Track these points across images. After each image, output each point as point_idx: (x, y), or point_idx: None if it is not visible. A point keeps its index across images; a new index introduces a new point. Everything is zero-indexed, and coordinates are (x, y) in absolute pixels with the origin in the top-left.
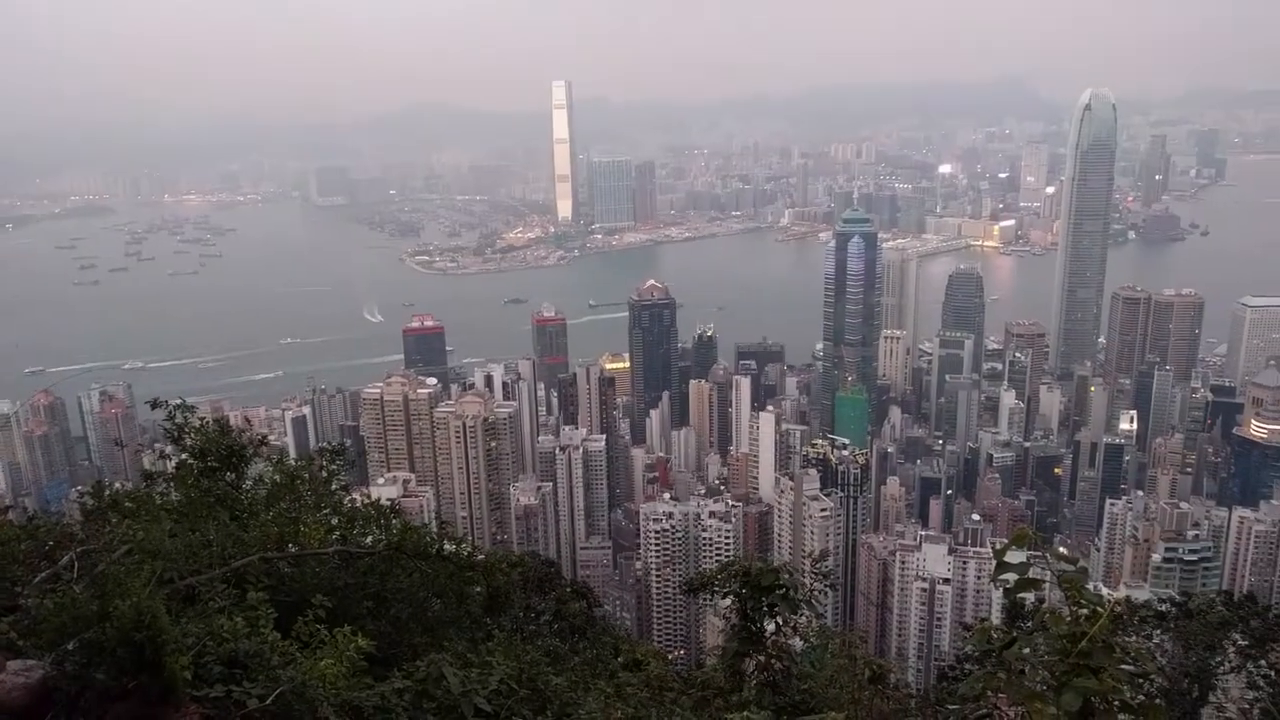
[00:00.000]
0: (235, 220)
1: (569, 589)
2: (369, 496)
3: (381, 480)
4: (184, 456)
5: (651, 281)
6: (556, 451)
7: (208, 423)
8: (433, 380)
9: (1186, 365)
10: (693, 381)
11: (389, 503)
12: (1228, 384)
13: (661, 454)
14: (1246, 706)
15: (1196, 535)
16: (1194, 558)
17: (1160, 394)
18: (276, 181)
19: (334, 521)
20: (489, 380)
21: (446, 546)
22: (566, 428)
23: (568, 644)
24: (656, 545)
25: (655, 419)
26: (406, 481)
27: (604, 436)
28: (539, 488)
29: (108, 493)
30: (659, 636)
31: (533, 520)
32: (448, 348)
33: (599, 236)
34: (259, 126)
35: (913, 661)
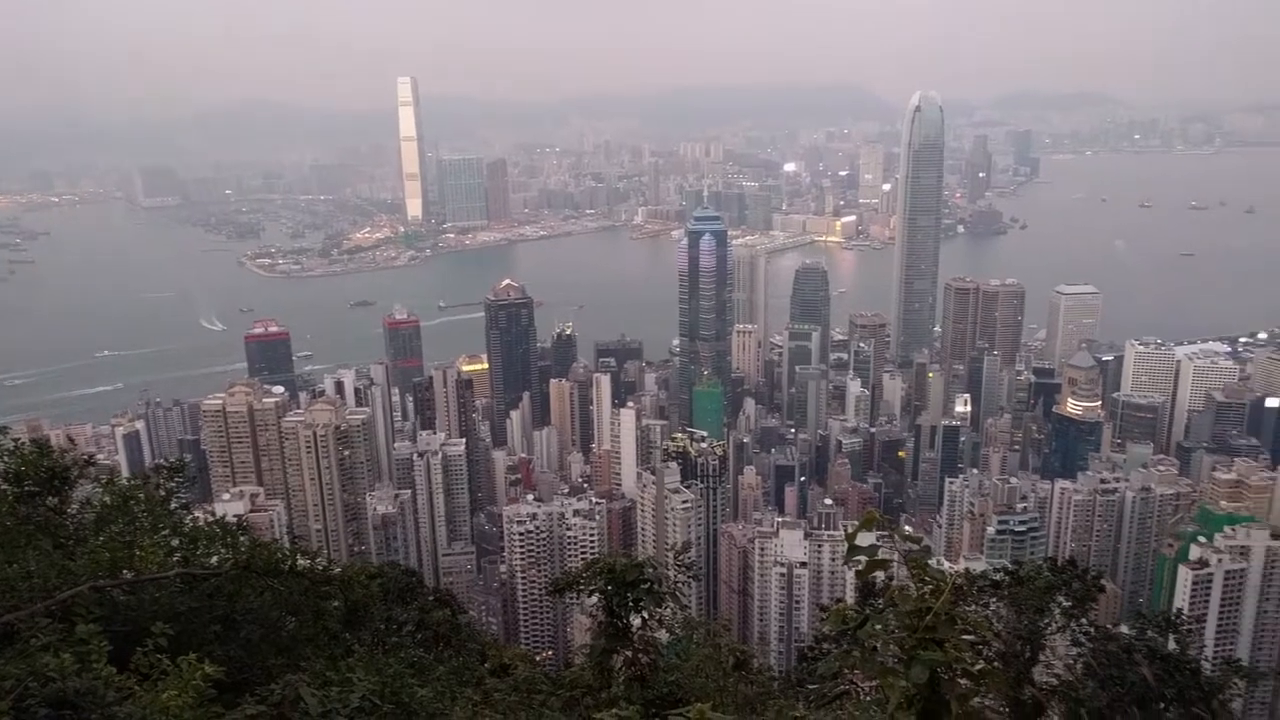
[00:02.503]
0: (49, 223)
1: (432, 597)
2: (213, 514)
3: (227, 496)
4: None
5: (508, 281)
6: (414, 457)
7: (22, 444)
8: (279, 388)
9: (1012, 350)
10: (553, 381)
11: (235, 519)
12: (1047, 366)
13: (523, 455)
14: (1071, 661)
15: (1025, 508)
16: (1023, 529)
17: (989, 378)
18: (96, 181)
19: (174, 543)
20: (340, 387)
21: (300, 562)
22: (424, 433)
23: (433, 654)
24: (521, 547)
25: (516, 420)
26: (254, 496)
27: (463, 440)
28: (397, 495)
29: None
30: (526, 639)
31: (391, 529)
32: (299, 354)
33: (451, 236)
34: (73, 122)
35: (774, 645)
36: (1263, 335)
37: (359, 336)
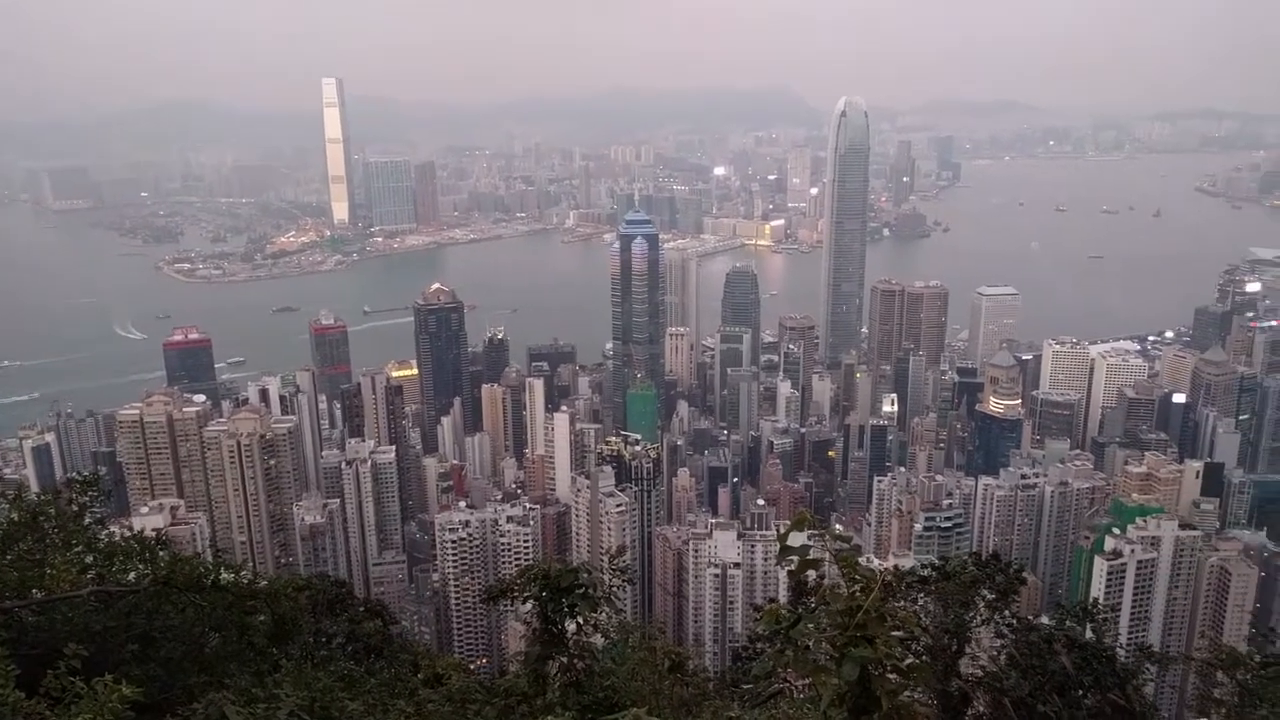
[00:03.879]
0: None
1: (362, 608)
2: (130, 529)
3: (145, 509)
4: None
5: (438, 285)
6: (343, 466)
7: None
8: (200, 397)
9: (936, 350)
10: (485, 386)
11: (154, 534)
12: (970, 366)
13: (455, 461)
14: (995, 652)
15: (950, 504)
16: (949, 525)
17: (915, 378)
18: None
19: (88, 560)
20: (264, 394)
21: (223, 576)
22: (352, 440)
23: (364, 666)
24: (454, 555)
25: (447, 426)
26: (175, 509)
27: (394, 447)
28: (325, 505)
29: None
30: (460, 648)
31: (320, 540)
32: (229, 360)
33: (379, 240)
34: None
35: (709, 646)
36: (1169, 334)
37: (284, 343)
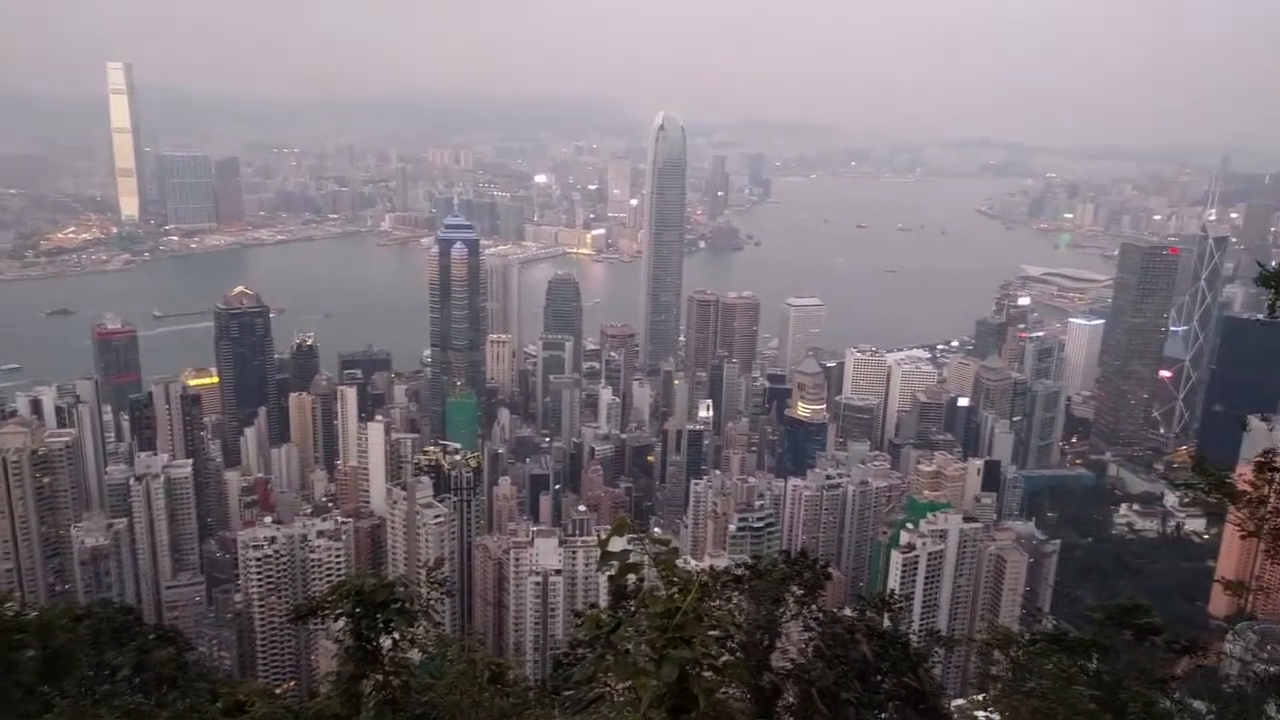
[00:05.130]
0: None
1: (153, 635)
2: None
3: None
4: None
5: (241, 288)
6: (131, 482)
7: None
8: None
9: (749, 358)
10: (293, 394)
11: None
12: (779, 373)
13: (260, 474)
14: (803, 645)
15: (762, 505)
16: (761, 525)
17: (729, 384)
18: None
19: None
20: (37, 405)
21: None
22: (143, 454)
23: (154, 699)
24: (258, 573)
25: (251, 437)
26: None
27: (191, 461)
28: (110, 525)
29: None
30: (265, 672)
31: (103, 563)
32: (2, 367)
33: (175, 238)
34: None
35: (530, 654)
36: (955, 343)
37: (62, 349)
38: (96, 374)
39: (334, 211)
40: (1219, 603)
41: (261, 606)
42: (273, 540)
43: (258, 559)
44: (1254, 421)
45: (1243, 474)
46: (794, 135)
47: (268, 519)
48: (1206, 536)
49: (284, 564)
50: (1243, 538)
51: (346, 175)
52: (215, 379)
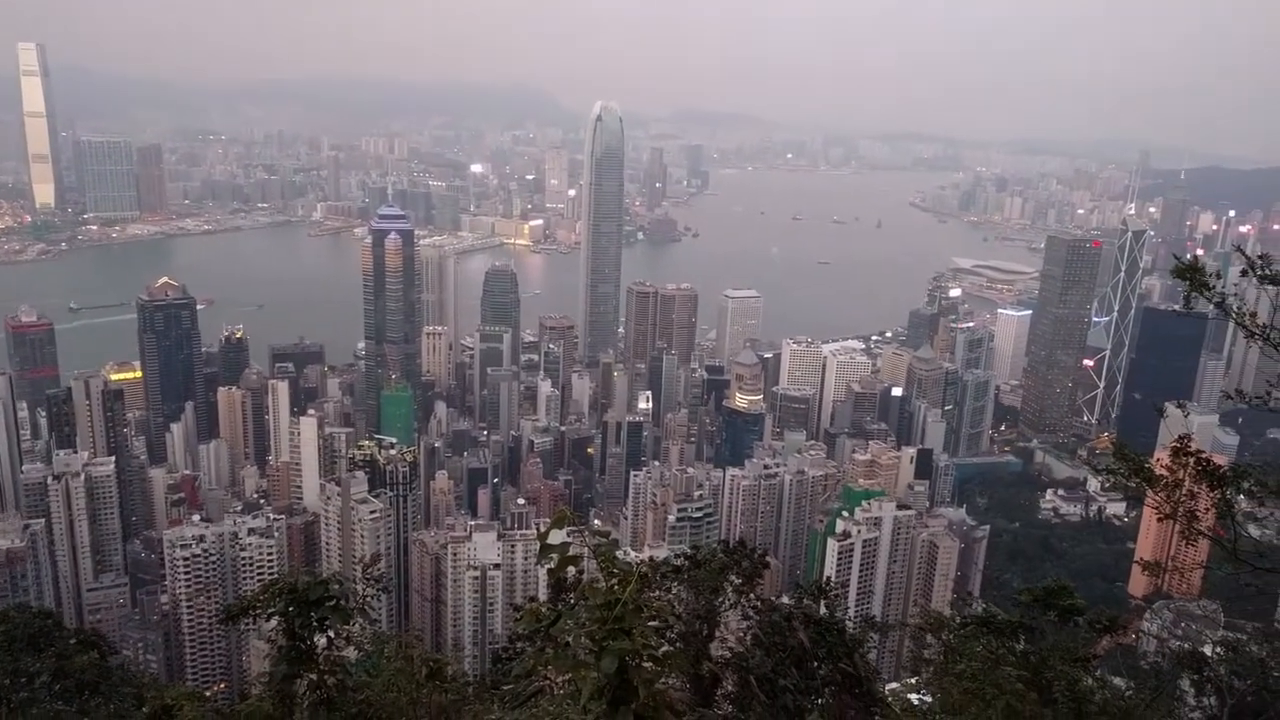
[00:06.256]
0: None
1: (74, 640)
2: None
3: None
4: None
5: (165, 278)
6: (49, 481)
7: None
8: None
9: (687, 349)
10: (221, 389)
11: None
12: (717, 364)
13: (187, 471)
14: (742, 634)
15: (701, 495)
16: (700, 515)
17: (668, 375)
18: None
19: None
20: None
21: None
22: (61, 452)
23: (75, 705)
24: (186, 573)
25: (177, 433)
26: None
27: (113, 458)
28: (26, 527)
29: None
30: (194, 675)
31: (18, 567)
32: None
33: (94, 227)
34: None
35: (469, 650)
36: (889, 334)
37: None
38: (10, 369)
39: (263, 200)
40: (1138, 583)
41: (190, 607)
42: (201, 539)
43: (185, 558)
44: (1170, 408)
45: (1160, 459)
46: (731, 127)
47: (195, 517)
48: (1127, 520)
49: (213, 563)
50: (1160, 520)
51: (276, 163)
52: (139, 373)
